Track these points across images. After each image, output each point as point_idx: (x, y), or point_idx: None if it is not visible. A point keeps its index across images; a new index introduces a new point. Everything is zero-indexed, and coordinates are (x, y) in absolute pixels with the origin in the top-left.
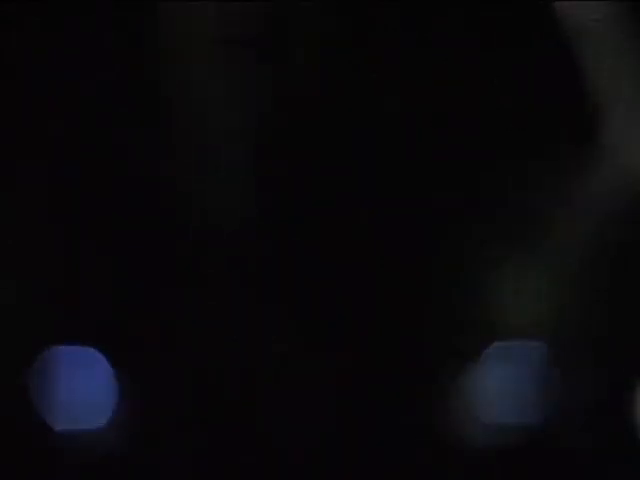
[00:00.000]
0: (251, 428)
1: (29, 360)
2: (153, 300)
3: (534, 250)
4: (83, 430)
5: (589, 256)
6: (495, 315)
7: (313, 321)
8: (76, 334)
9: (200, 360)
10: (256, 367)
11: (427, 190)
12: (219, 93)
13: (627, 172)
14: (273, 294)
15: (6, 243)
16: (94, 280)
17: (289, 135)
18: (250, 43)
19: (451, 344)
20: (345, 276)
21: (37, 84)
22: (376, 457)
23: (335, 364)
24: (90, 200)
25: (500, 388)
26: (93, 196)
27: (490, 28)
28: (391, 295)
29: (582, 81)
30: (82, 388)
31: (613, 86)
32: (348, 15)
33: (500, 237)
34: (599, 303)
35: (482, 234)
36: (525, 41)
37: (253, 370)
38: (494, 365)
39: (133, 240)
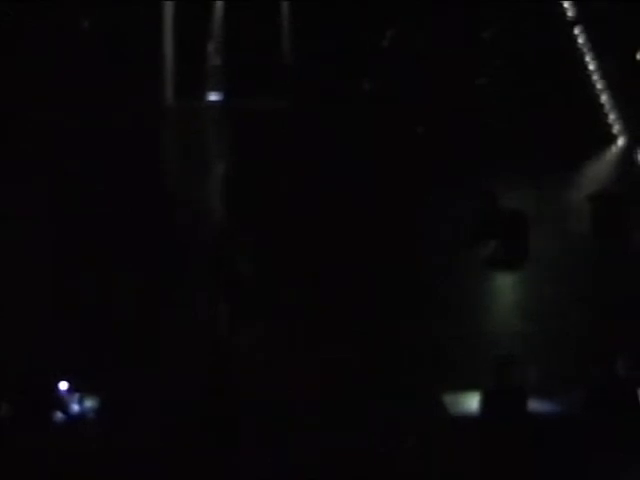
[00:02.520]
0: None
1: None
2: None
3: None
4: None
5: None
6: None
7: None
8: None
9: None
10: (239, 373)
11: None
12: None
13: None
14: (258, 309)
15: None
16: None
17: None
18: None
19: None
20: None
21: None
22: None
23: (319, 372)
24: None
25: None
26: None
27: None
28: (382, 303)
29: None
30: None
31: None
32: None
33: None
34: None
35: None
36: (529, 41)
37: (236, 376)
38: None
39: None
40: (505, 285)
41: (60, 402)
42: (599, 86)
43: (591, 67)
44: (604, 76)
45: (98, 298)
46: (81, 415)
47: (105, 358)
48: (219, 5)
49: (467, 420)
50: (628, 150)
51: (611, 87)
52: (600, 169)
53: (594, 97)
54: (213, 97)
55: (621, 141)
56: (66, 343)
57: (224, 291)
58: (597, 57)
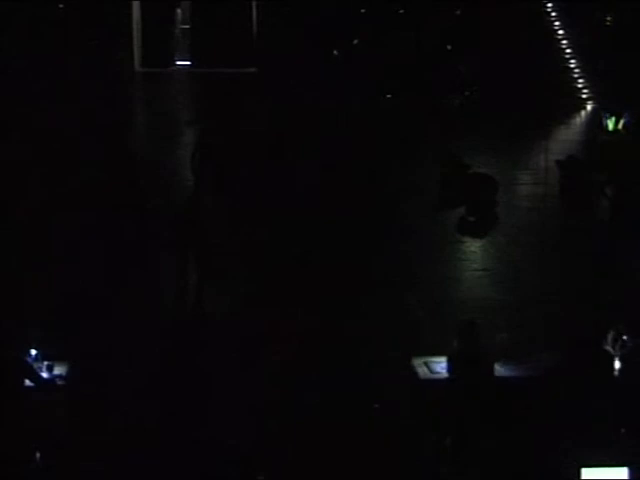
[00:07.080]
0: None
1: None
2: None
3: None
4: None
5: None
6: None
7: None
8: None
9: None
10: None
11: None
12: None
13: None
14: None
15: None
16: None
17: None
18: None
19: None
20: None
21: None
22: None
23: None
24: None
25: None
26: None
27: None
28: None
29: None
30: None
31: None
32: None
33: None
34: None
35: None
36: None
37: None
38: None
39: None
40: (473, 250)
41: (29, 370)
42: (568, 52)
43: (561, 33)
44: (573, 42)
45: (65, 264)
46: (50, 382)
47: (74, 325)
48: None
49: (434, 385)
50: (596, 116)
51: (580, 53)
52: (568, 134)
53: (563, 63)
54: (182, 63)
55: (589, 107)
56: (34, 311)
57: (194, 255)
58: (567, 23)
